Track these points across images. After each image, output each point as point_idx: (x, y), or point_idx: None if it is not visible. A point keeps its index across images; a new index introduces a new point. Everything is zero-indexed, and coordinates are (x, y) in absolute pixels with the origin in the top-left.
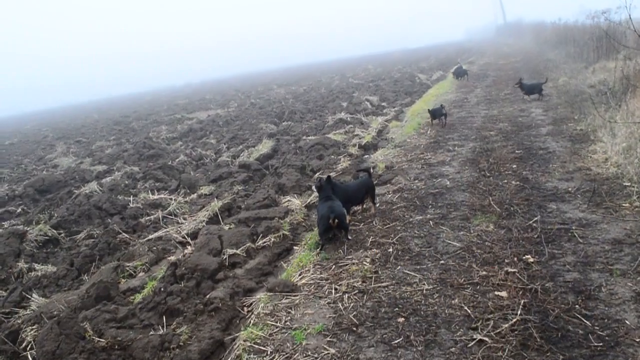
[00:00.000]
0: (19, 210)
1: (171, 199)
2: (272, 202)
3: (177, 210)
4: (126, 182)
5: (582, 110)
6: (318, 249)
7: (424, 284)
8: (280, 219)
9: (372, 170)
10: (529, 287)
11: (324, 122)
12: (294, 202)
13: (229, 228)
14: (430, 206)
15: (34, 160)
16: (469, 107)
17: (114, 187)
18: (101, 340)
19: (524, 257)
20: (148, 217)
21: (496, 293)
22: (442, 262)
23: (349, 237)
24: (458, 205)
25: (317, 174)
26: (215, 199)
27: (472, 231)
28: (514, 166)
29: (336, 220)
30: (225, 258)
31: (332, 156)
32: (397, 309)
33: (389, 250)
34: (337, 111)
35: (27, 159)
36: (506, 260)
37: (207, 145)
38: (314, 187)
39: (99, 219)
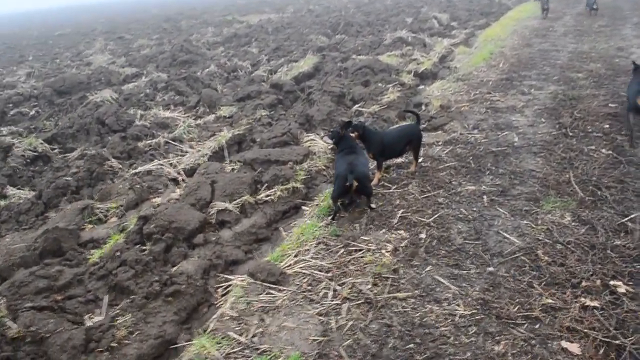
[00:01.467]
0: (32, 112)
1: (183, 118)
2: (292, 139)
3: (185, 135)
4: (147, 91)
5: None
6: (329, 218)
7: (458, 306)
8: (295, 164)
9: (423, 109)
10: (616, 342)
11: (380, 40)
12: (319, 142)
13: (232, 169)
14: (488, 172)
15: (70, 56)
16: (553, 38)
17: (130, 97)
18: (11, 327)
19: (611, 283)
20: (149, 141)
21: (563, 344)
22: (490, 269)
23: (372, 206)
24: (525, 177)
25: (356, 106)
26: (229, 125)
27: (539, 222)
28: (606, 126)
29: (355, 184)
30: (212, 214)
31: (380, 84)
32: (411, 345)
33: (420, 235)
34: (398, 27)
35: (68, 52)
36: (584, 283)
37: (247, 55)
38: (325, 139)
39: (97, 136)
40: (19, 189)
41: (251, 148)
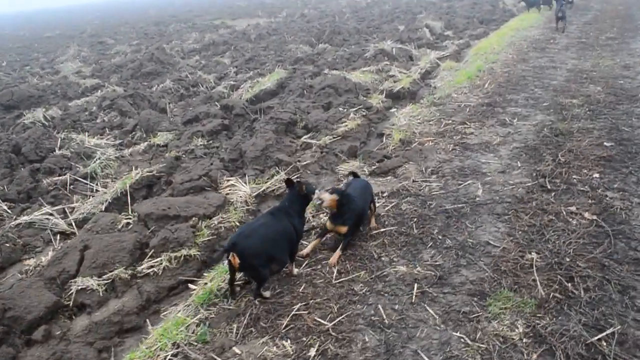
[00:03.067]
0: None
1: (110, 147)
2: (210, 183)
3: (99, 171)
4: (93, 109)
5: None
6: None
7: None
8: (202, 219)
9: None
10: None
11: (363, 51)
12: (241, 187)
13: (126, 225)
14: (431, 243)
15: (43, 63)
16: (553, 52)
17: (68, 117)
18: None
19: None
20: (56, 177)
21: None
22: None
23: (266, 295)
24: (477, 254)
25: (306, 136)
26: (152, 159)
27: (479, 335)
28: (596, 175)
29: (237, 261)
30: (71, 294)
31: (341, 108)
32: None
33: (309, 353)
34: (386, 37)
35: (45, 58)
36: None
37: (218, 66)
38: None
39: (7, 168)
40: None
41: (162, 194)
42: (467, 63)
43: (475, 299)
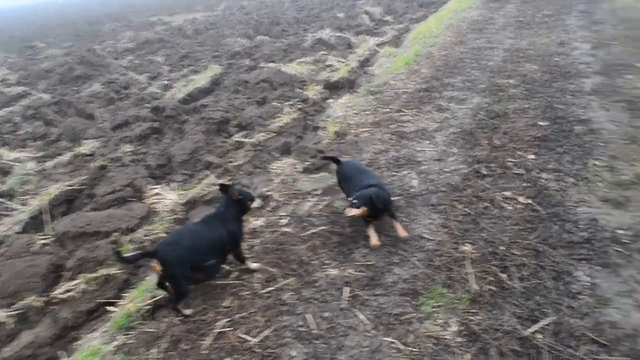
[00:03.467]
0: None
1: (28, 160)
2: (135, 193)
3: (17, 187)
4: (17, 119)
5: None
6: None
7: None
8: (125, 233)
9: (316, 137)
10: None
11: (301, 42)
12: (167, 195)
13: (43, 245)
14: (363, 242)
15: None
16: (491, 33)
17: None
18: None
19: None
20: None
21: None
22: None
23: (187, 312)
24: (410, 249)
25: (238, 135)
26: (75, 171)
27: (411, 338)
28: (531, 156)
29: (159, 267)
30: None
31: (276, 102)
32: None
33: None
34: (325, 25)
35: None
36: None
37: (151, 65)
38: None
39: None
40: None
41: (83, 208)
42: (406, 48)
43: (408, 298)
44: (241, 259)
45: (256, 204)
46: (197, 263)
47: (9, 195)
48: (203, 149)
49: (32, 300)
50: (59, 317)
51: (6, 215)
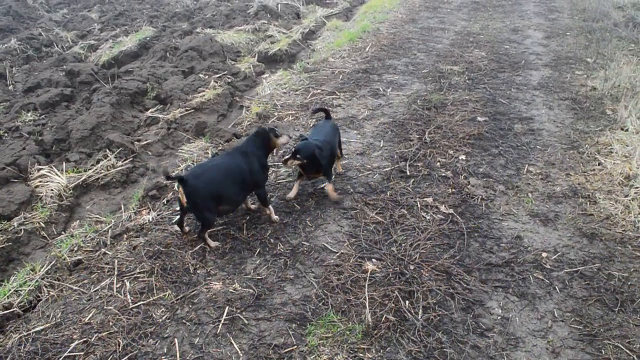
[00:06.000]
0: None
1: None
2: (19, 173)
3: None
4: None
5: (601, 49)
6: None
7: None
8: None
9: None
10: None
11: (246, 7)
12: (55, 178)
13: None
14: (260, 248)
15: None
16: (445, 12)
17: None
18: None
19: None
20: None
21: None
22: None
23: (208, 242)
24: (309, 262)
25: (151, 110)
26: None
27: None
28: (462, 157)
29: (184, 199)
30: None
31: (201, 74)
32: None
33: None
34: None
35: None
36: None
37: (83, 22)
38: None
39: None
40: None
41: None
42: (354, 23)
43: (294, 325)
44: (263, 202)
45: (283, 140)
46: (219, 194)
47: None
48: (107, 124)
49: None
50: None
51: None
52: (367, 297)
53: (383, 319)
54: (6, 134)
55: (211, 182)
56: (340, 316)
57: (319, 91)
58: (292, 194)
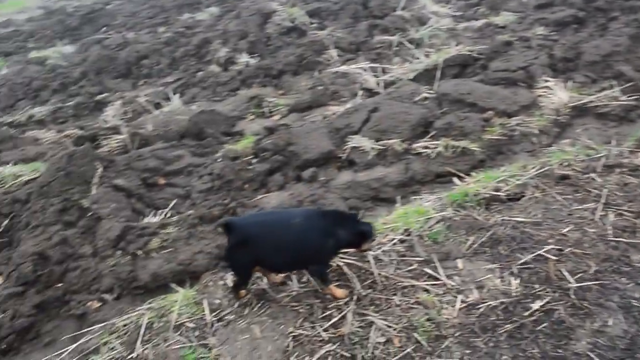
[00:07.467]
0: None
1: (446, 16)
2: (527, 78)
3: (426, 39)
4: None
5: None
6: None
7: None
8: (498, 115)
9: None
10: None
11: None
12: (557, 93)
13: (425, 98)
14: None
15: None
16: None
17: None
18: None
19: None
20: (386, 37)
21: None
22: None
23: (235, 295)
24: None
25: None
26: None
27: None
28: None
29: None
30: (346, 149)
31: None
32: None
33: None
34: None
35: None
36: None
37: None
38: None
39: (351, 18)
40: (252, 56)
41: (473, 77)
42: None
43: None
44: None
45: (367, 245)
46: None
47: (417, 43)
48: (621, 55)
49: (396, 143)
50: (410, 167)
51: (408, 61)
52: None
53: None
54: (517, 42)
55: None
56: None
57: None
58: None
